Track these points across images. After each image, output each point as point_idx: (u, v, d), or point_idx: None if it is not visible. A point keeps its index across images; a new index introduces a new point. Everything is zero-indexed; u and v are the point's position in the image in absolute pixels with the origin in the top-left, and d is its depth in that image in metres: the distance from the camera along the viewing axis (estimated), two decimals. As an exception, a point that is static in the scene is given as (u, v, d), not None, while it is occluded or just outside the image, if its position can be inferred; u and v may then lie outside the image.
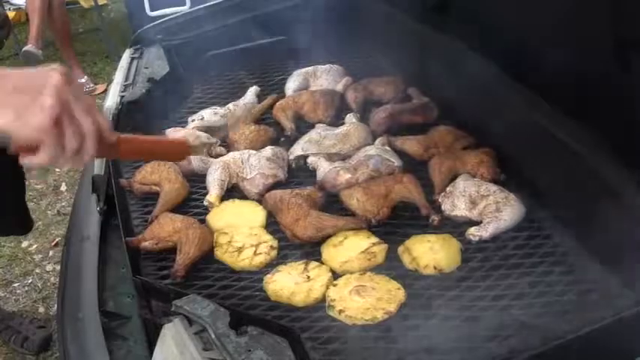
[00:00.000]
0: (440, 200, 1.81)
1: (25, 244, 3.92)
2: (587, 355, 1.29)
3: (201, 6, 2.99)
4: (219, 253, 1.67)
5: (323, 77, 2.50)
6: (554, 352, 1.23)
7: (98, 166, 1.98)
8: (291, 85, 2.48)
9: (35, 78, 1.09)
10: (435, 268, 1.57)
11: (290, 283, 1.55)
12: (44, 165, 1.11)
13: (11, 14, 6.35)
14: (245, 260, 1.64)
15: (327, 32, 2.45)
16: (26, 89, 1.06)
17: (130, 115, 2.25)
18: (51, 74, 1.08)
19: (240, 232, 1.72)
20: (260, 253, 1.66)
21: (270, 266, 1.64)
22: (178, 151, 1.46)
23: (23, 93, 1.06)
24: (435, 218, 1.75)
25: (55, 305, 3.04)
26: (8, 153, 1.09)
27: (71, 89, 1.09)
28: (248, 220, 1.79)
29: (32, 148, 1.08)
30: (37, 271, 3.73)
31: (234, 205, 1.87)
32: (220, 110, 2.31)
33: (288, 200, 1.77)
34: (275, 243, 1.70)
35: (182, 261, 1.62)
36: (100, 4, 6.69)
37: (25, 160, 1.10)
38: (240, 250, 1.66)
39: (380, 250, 1.64)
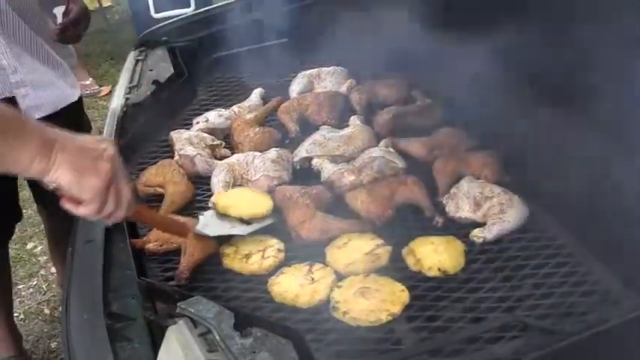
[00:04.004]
0: (444, 202, 1.81)
1: (29, 245, 3.93)
2: (592, 357, 1.29)
3: (206, 8, 3.00)
4: (227, 261, 1.67)
5: (327, 79, 2.50)
6: (559, 353, 1.23)
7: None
8: (296, 87, 2.48)
9: (96, 144, 1.27)
10: (439, 269, 1.57)
11: (294, 285, 1.55)
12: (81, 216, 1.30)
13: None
14: (254, 265, 1.65)
15: (332, 34, 2.46)
16: (88, 153, 1.25)
17: (134, 118, 2.25)
18: (108, 145, 1.29)
19: (244, 241, 1.72)
20: (268, 257, 1.66)
21: (277, 268, 1.64)
22: (180, 231, 1.67)
23: (85, 157, 1.24)
24: (439, 220, 1.75)
25: (60, 307, 3.04)
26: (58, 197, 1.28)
27: (120, 167, 1.30)
28: (255, 204, 1.81)
29: (78, 201, 1.27)
30: (42, 272, 3.74)
31: (242, 191, 1.91)
32: (225, 112, 2.32)
33: (296, 199, 1.77)
34: (281, 246, 1.70)
35: (186, 263, 1.62)
36: (104, 6, 6.71)
37: (67, 207, 1.29)
38: (247, 256, 1.67)
39: (384, 251, 1.64)
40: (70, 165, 1.21)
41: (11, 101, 2.16)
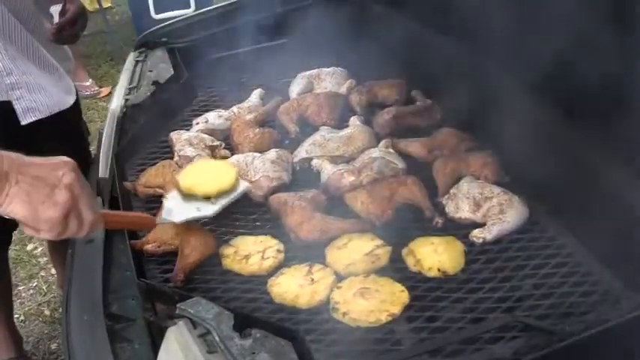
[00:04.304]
0: (444, 202, 1.81)
1: (29, 247, 3.93)
2: (592, 357, 1.29)
3: (206, 9, 3.01)
4: (227, 262, 1.67)
5: (327, 80, 2.50)
6: (559, 353, 1.23)
7: (103, 170, 1.99)
8: (295, 87, 2.48)
9: (53, 172, 1.21)
10: (438, 270, 1.57)
11: (294, 286, 1.55)
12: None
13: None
14: (254, 266, 1.64)
15: (331, 35, 2.46)
16: (44, 182, 1.19)
17: (134, 118, 2.25)
18: (66, 171, 1.22)
19: (244, 242, 1.73)
20: (268, 258, 1.66)
21: (277, 269, 1.64)
22: (144, 223, 1.67)
23: (41, 188, 1.18)
24: (438, 220, 1.75)
25: (60, 308, 3.05)
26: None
27: (81, 185, 1.24)
28: (219, 177, 1.77)
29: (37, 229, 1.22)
30: (42, 274, 3.74)
31: (205, 165, 1.88)
32: (225, 113, 2.32)
33: (292, 203, 1.77)
34: (281, 246, 1.70)
35: (181, 265, 1.62)
36: (104, 7, 6.72)
37: (27, 232, 1.24)
38: (247, 257, 1.67)
39: (384, 252, 1.64)
40: (24, 198, 1.17)
41: (5, 106, 2.16)
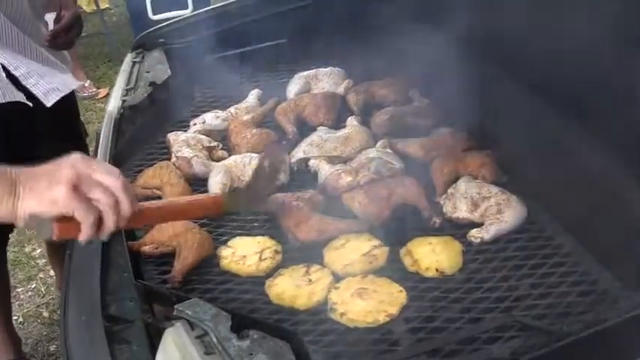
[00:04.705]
0: (441, 202, 1.81)
1: (28, 248, 3.93)
2: (590, 357, 1.29)
3: (203, 9, 3.00)
4: (224, 263, 1.67)
5: (324, 80, 2.50)
6: (557, 353, 1.23)
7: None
8: (293, 88, 2.48)
9: (56, 164, 1.21)
10: (436, 270, 1.57)
11: (292, 287, 1.55)
12: (90, 238, 1.22)
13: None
14: (251, 267, 1.64)
15: (329, 35, 2.46)
16: (46, 172, 1.20)
17: (131, 120, 2.25)
18: (69, 157, 1.22)
19: (242, 243, 1.72)
20: (265, 259, 1.66)
21: (275, 270, 1.64)
22: (209, 207, 1.52)
23: (43, 176, 1.19)
24: (436, 220, 1.75)
25: (59, 310, 3.04)
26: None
27: (89, 161, 1.22)
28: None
29: (73, 228, 1.20)
30: (41, 275, 3.74)
31: None
32: (222, 114, 2.32)
33: (289, 204, 1.77)
34: (279, 247, 1.70)
35: (179, 267, 1.62)
36: (102, 8, 6.71)
37: (65, 236, 1.22)
38: (244, 258, 1.67)
39: (381, 252, 1.64)
40: (31, 190, 1.18)
41: (5, 107, 2.15)
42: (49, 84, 2.23)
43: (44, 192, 1.18)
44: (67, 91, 2.28)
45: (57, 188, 1.17)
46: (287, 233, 1.73)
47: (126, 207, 1.22)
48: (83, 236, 1.21)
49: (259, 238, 1.74)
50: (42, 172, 1.20)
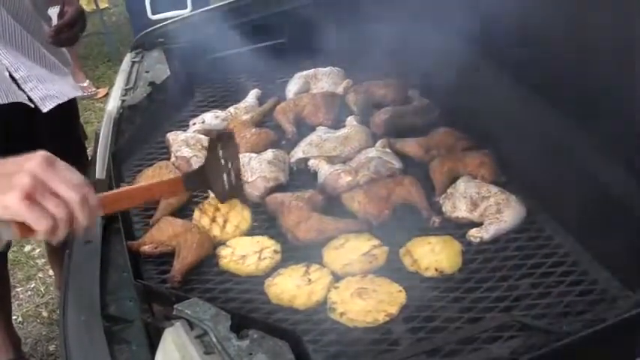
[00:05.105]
0: (441, 202, 1.81)
1: (27, 248, 3.93)
2: (589, 357, 1.29)
3: (203, 9, 3.00)
4: (224, 263, 1.67)
5: (324, 80, 2.50)
6: (556, 353, 1.23)
7: (100, 171, 1.99)
8: (292, 87, 2.48)
9: (16, 163, 1.16)
10: (436, 269, 1.57)
11: (291, 286, 1.55)
12: (45, 238, 1.18)
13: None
14: (251, 266, 1.64)
15: (328, 35, 2.45)
16: (7, 175, 1.14)
17: (130, 119, 2.25)
18: (31, 158, 1.16)
19: (241, 242, 1.73)
20: (265, 258, 1.66)
21: (274, 270, 1.64)
22: (169, 190, 1.51)
23: (4, 178, 1.14)
24: (435, 220, 1.75)
25: (58, 309, 3.04)
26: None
27: (51, 168, 1.16)
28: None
29: (33, 230, 1.16)
30: (40, 275, 3.74)
31: None
32: (221, 113, 2.32)
33: (289, 203, 1.77)
34: (278, 247, 1.70)
35: (179, 266, 1.62)
36: (101, 7, 6.71)
37: (23, 236, 1.17)
38: (244, 257, 1.67)
39: (381, 252, 1.64)
40: None
41: (5, 107, 2.15)
42: (48, 90, 2.25)
43: (1, 195, 1.13)
44: (65, 100, 2.29)
45: (10, 195, 1.13)
46: (286, 233, 1.73)
47: (81, 220, 1.19)
48: (40, 238, 1.19)
49: (258, 238, 1.74)
50: (4, 170, 1.16)
